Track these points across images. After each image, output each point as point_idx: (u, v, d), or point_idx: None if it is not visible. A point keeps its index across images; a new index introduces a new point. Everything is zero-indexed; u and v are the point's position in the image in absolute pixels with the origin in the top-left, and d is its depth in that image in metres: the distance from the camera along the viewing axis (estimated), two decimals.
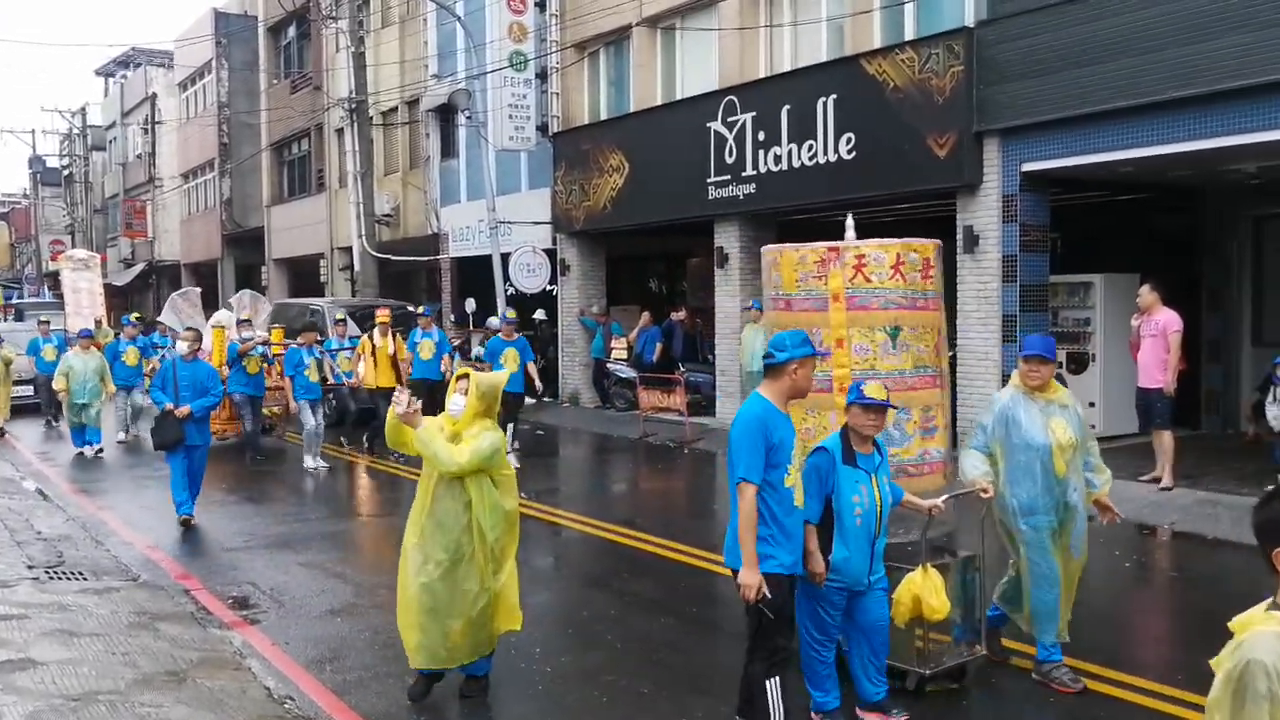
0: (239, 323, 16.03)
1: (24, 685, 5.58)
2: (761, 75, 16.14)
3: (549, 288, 20.95)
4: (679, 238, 20.42)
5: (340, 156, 31.33)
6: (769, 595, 4.68)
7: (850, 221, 7.05)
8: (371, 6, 26.94)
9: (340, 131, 30.80)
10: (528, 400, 15.58)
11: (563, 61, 20.60)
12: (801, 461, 4.98)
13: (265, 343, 15.71)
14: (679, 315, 19.22)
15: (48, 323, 20.44)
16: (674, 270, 23.73)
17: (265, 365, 15.23)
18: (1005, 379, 12.69)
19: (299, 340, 14.38)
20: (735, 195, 15.99)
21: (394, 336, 14.89)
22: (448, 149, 25.76)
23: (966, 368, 13.15)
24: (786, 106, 14.94)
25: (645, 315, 19.41)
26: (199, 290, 18.49)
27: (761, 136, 15.40)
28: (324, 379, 14.69)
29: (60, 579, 8.23)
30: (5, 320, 35.81)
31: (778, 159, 15.16)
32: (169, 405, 10.15)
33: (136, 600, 7.71)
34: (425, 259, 25.63)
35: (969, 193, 12.97)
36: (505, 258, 20.44)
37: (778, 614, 4.77)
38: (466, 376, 5.67)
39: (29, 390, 21.17)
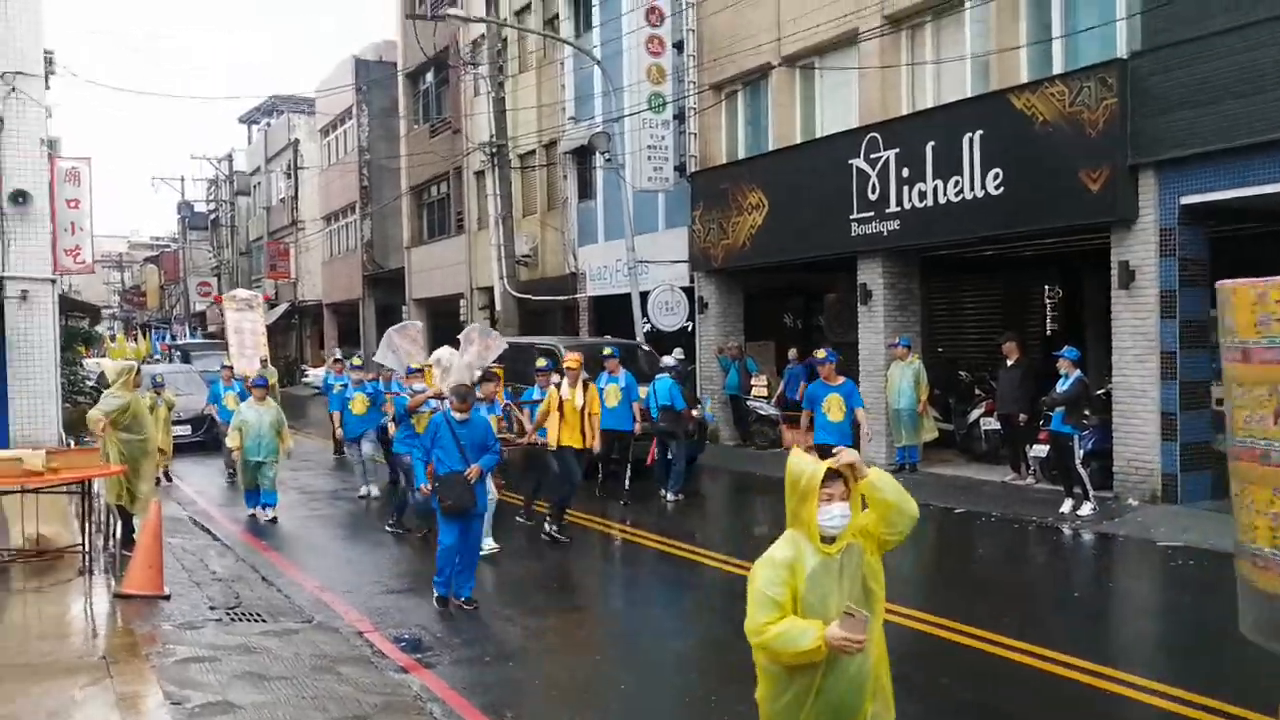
0: (409, 373, 13.81)
1: None
2: (904, 112, 16.03)
3: (687, 325, 21.07)
4: (816, 274, 20.36)
5: (479, 198, 32.17)
6: None
7: None
8: (509, 52, 27.57)
9: (479, 174, 31.64)
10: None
11: (700, 102, 20.78)
12: None
13: (439, 396, 13.32)
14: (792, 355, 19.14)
15: (231, 368, 19.97)
16: (810, 306, 23.61)
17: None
18: (1164, 417, 12.33)
19: (480, 393, 11.86)
20: (879, 231, 15.88)
21: (585, 386, 12.50)
22: (585, 190, 26.20)
23: (1124, 406, 12.79)
24: (931, 143, 14.80)
25: (793, 351, 19.32)
26: (419, 325, 16.49)
27: (905, 173, 15.28)
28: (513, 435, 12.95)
29: (241, 620, 8.57)
30: (170, 361, 37.40)
31: (922, 195, 15.01)
32: (472, 468, 8.99)
33: (315, 642, 7.98)
34: (562, 298, 26.03)
35: (1124, 227, 12.64)
36: (644, 296, 20.66)
37: None
38: (840, 476, 3.88)
39: (187, 429, 22.15)
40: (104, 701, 6.19)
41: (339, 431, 15.61)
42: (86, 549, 10.09)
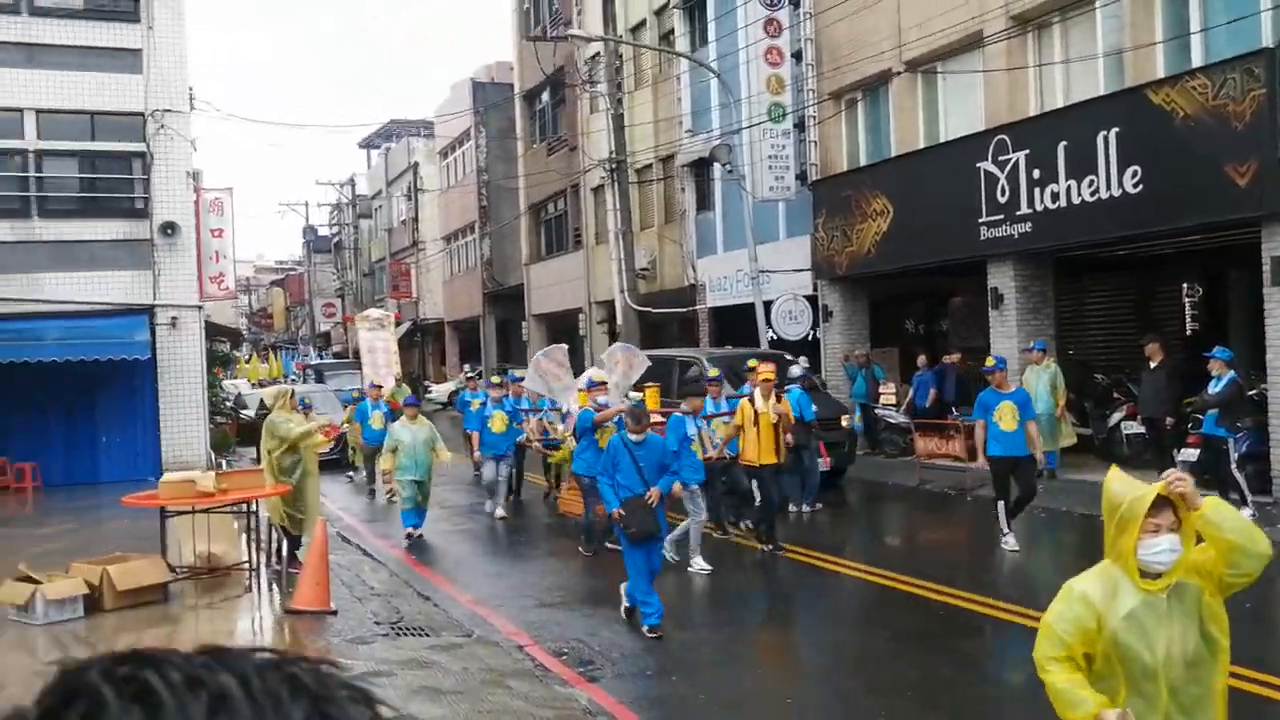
0: (591, 385, 13.28)
1: None
2: (1032, 113, 15.80)
3: (810, 334, 21.02)
4: (939, 279, 20.14)
5: (596, 214, 32.59)
6: None
7: None
8: (625, 70, 27.89)
9: (596, 190, 32.05)
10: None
11: (820, 111, 20.75)
12: None
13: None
14: (952, 358, 18.86)
15: (379, 388, 20.25)
16: (933, 311, 23.34)
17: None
18: None
19: (683, 407, 11.50)
20: (1009, 234, 15.67)
21: (778, 398, 11.79)
22: (703, 202, 26.35)
23: None
24: (1063, 143, 14.56)
25: (922, 358, 19.13)
26: (565, 347, 16.23)
27: (1036, 174, 15.05)
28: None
29: (406, 635, 8.86)
30: (304, 380, 38.61)
31: (1055, 196, 14.77)
32: (651, 491, 8.70)
33: (479, 656, 8.22)
34: (682, 310, 26.19)
35: (1275, 221, 12.25)
36: (767, 306, 20.69)
37: None
38: (1169, 503, 3.42)
39: (326, 447, 22.87)
40: None
41: (477, 454, 15.38)
42: (253, 566, 10.57)
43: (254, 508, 10.65)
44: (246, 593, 10.11)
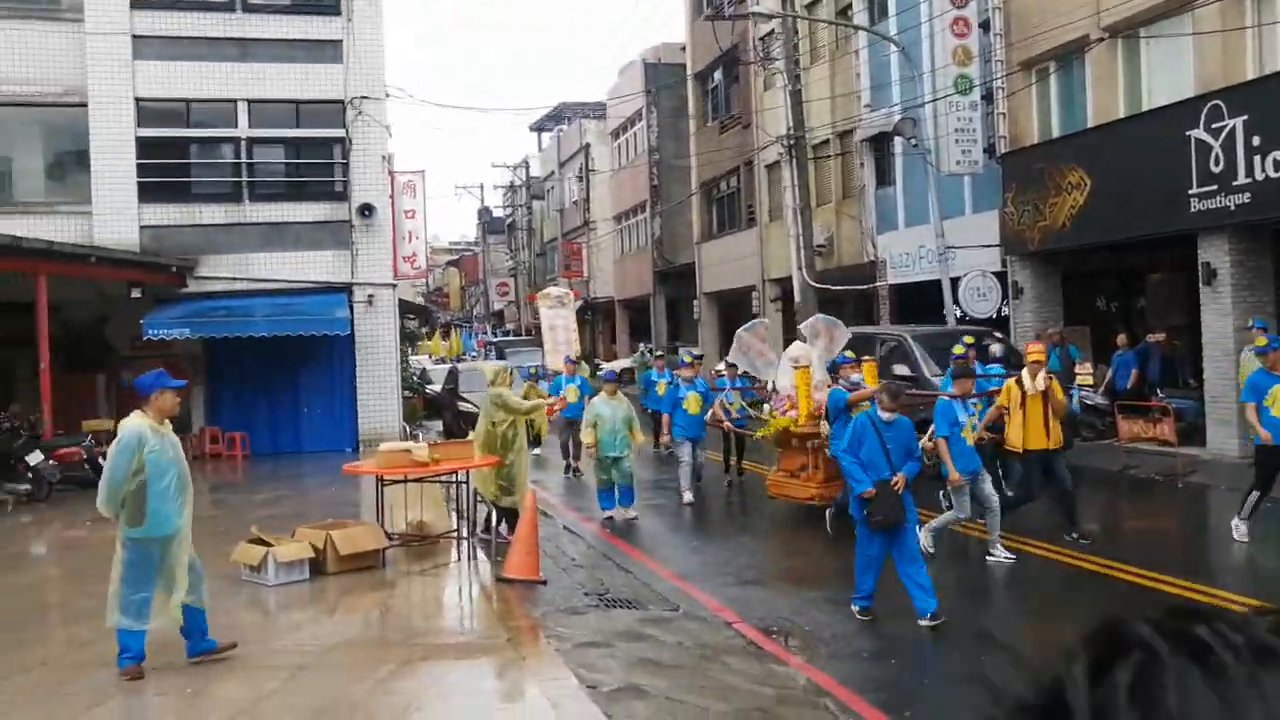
0: (842, 362, 12.47)
1: (642, 715, 6.16)
2: (1250, 76, 14.91)
3: (1000, 312, 20.41)
4: (1138, 254, 19.26)
5: (770, 191, 32.38)
6: None
7: None
8: (801, 46, 27.56)
9: (771, 167, 31.83)
10: None
11: (1010, 82, 20.08)
12: None
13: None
14: (1156, 337, 18.05)
15: (576, 362, 20.04)
16: (1127, 288, 22.34)
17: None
18: None
19: (954, 389, 10.63)
20: (1225, 206, 14.85)
21: (1049, 378, 10.70)
22: (883, 177, 25.88)
23: None
24: None
25: (1122, 337, 18.35)
26: (766, 323, 15.54)
27: (1257, 141, 14.21)
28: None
29: (615, 607, 9.03)
30: (486, 357, 39.67)
31: (1278, 164, 13.92)
32: (897, 477, 8.15)
33: (690, 631, 8.30)
34: (862, 287, 25.79)
35: None
36: (953, 282, 20.19)
37: None
38: None
39: None
40: (523, 681, 6.68)
41: (665, 437, 14.93)
42: (461, 535, 10.92)
43: (462, 478, 10.98)
44: (455, 561, 10.46)
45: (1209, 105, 15.02)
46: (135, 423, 6.84)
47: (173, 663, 7.18)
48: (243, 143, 21.85)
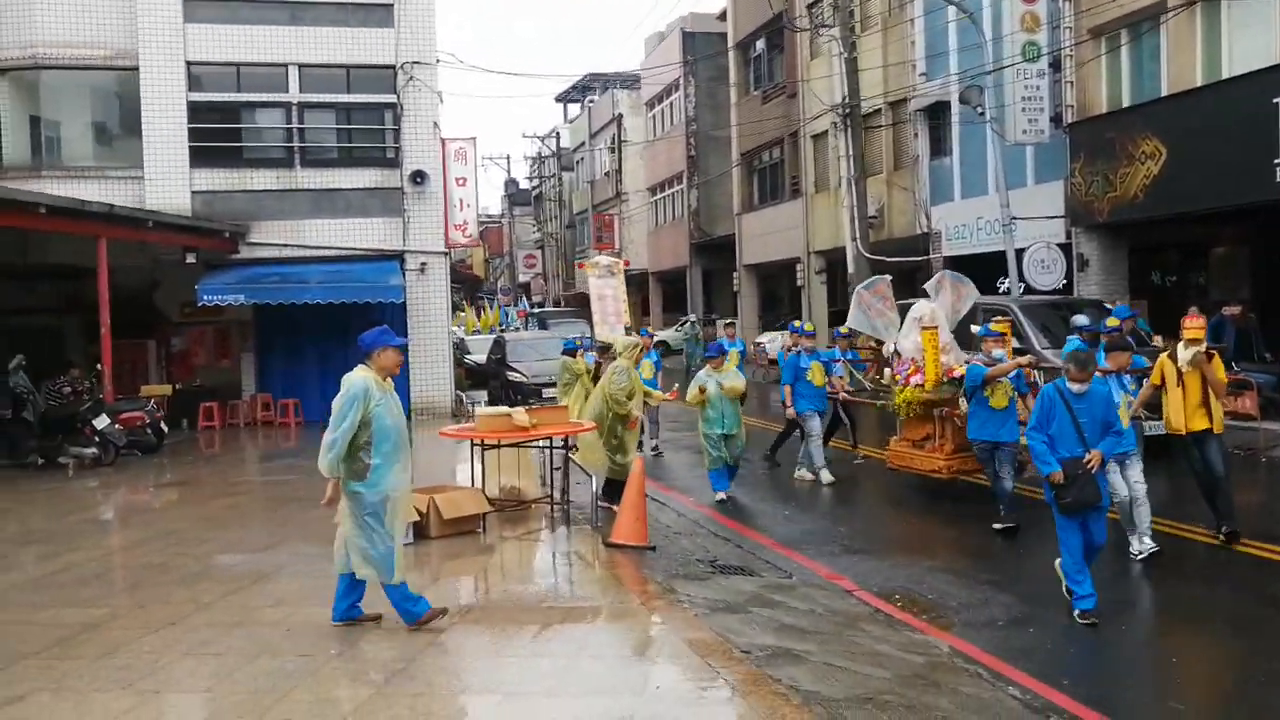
0: (985, 334, 11.39)
1: (806, 680, 5.99)
2: None
3: (1062, 285, 20.10)
4: (1206, 226, 18.95)
5: (816, 161, 32.03)
6: None
7: None
8: (854, 15, 27.16)
9: (817, 138, 31.49)
10: None
11: (1079, 49, 19.70)
12: None
13: (1033, 366, 11.57)
14: (1231, 310, 17.71)
15: (651, 336, 19.64)
16: (1186, 261, 21.99)
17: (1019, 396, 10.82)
18: None
19: (1108, 364, 9.33)
20: None
21: (1210, 358, 9.55)
22: (937, 148, 25.53)
23: None
24: None
25: (1192, 310, 18.00)
26: (888, 278, 14.20)
27: None
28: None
29: (729, 574, 8.85)
30: (526, 328, 39.57)
31: None
32: (1092, 454, 7.39)
33: (814, 598, 8.12)
34: (916, 259, 25.48)
35: None
36: (1018, 254, 19.89)
37: None
38: None
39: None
40: (671, 644, 6.50)
41: (792, 410, 13.51)
42: (555, 500, 10.77)
43: (560, 444, 10.82)
44: (547, 528, 10.29)
45: None
46: (361, 375, 6.78)
47: (313, 621, 7.06)
48: (294, 108, 21.65)
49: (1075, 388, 7.50)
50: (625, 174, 52.53)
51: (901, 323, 12.84)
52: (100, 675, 6.12)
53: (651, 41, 51.01)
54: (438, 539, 9.55)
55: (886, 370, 13.73)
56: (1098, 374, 8.88)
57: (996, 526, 10.26)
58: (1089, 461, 7.33)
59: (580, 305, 54.31)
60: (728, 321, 21.25)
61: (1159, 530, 9.38)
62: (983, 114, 20.16)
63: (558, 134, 65.37)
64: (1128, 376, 9.40)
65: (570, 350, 16.65)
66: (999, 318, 11.67)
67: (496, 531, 10.12)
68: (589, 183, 59.23)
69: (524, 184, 76.46)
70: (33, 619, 7.44)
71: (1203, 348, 9.49)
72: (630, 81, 54.26)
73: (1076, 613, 7.41)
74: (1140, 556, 8.97)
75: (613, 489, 10.86)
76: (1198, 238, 20.19)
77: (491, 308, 58.36)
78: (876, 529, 11.03)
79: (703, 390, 12.14)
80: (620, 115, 52.65)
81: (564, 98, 68.54)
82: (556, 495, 10.90)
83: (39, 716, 5.56)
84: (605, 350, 16.80)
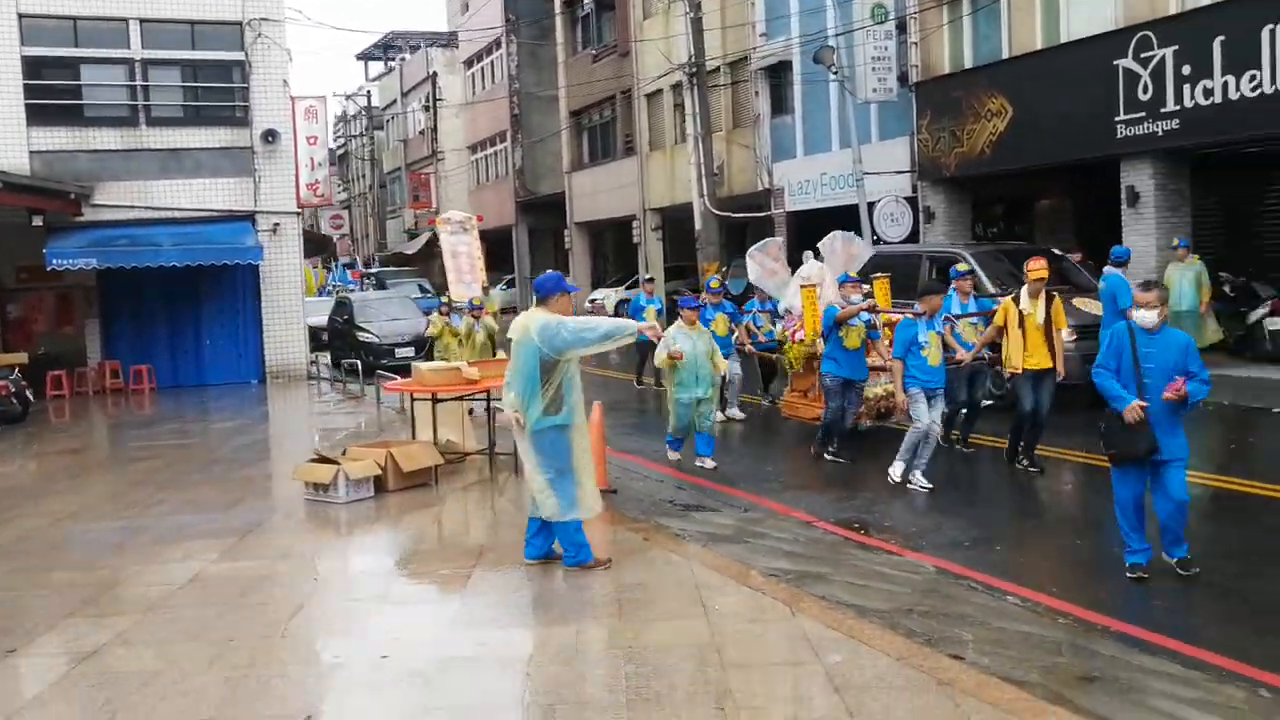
0: (844, 281, 11.77)
1: (845, 596, 6.42)
2: (1172, 10, 15.88)
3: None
4: (1035, 180, 20.39)
5: (651, 120, 32.49)
6: None
7: None
8: None
9: (651, 96, 31.95)
10: None
11: (924, 20, 20.70)
12: None
13: (872, 309, 11.63)
14: (1073, 256, 19.13)
15: (652, 279, 19.60)
16: (1017, 213, 23.47)
17: (869, 341, 11.29)
18: None
19: (916, 308, 10.01)
20: (1152, 132, 15.89)
21: (1050, 300, 10.19)
22: (779, 106, 26.36)
23: None
24: (1220, 38, 14.74)
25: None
26: (779, 241, 14.82)
27: (1186, 70, 15.24)
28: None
29: (697, 510, 9.19)
30: (363, 289, 38.61)
31: (1208, 92, 14.99)
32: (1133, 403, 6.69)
33: (790, 530, 8.54)
34: (757, 215, 26.30)
35: None
36: (870, 208, 20.87)
37: None
38: None
39: (410, 351, 22.84)
40: (699, 573, 6.79)
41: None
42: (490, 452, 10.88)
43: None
44: (489, 478, 10.39)
45: (1138, 36, 15.98)
46: (547, 315, 6.93)
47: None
48: (137, 64, 20.55)
49: (1144, 319, 6.75)
50: (442, 133, 51.75)
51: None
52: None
53: None
54: (395, 492, 9.54)
55: (778, 325, 14.23)
56: (908, 315, 9.81)
57: (827, 456, 11.19)
58: (1130, 409, 6.65)
59: (400, 265, 53.41)
60: (647, 277, 21.38)
61: None
62: (837, 74, 21.00)
63: (369, 92, 63.59)
64: (939, 318, 10.07)
65: (428, 310, 16.37)
66: (959, 266, 12.27)
67: (446, 484, 10.13)
68: (402, 141, 58.10)
69: (330, 143, 74.09)
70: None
71: (1042, 292, 10.08)
72: (445, 40, 53.38)
73: (1127, 566, 6.96)
74: (896, 481, 9.83)
75: None
76: (1030, 191, 21.71)
77: (340, 266, 56.43)
78: (801, 468, 11.47)
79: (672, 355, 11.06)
80: (435, 74, 51.75)
81: (366, 55, 66.82)
82: (488, 448, 11.00)
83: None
84: (477, 309, 16.92)
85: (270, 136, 20.98)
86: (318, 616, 6.34)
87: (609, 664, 5.30)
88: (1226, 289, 16.17)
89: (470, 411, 12.62)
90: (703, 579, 6.65)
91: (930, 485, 9.75)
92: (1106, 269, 13.01)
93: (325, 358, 24.60)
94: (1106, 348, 6.94)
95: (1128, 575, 6.93)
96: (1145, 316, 6.68)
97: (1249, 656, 5.58)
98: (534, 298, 7.13)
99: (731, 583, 6.55)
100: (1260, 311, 15.69)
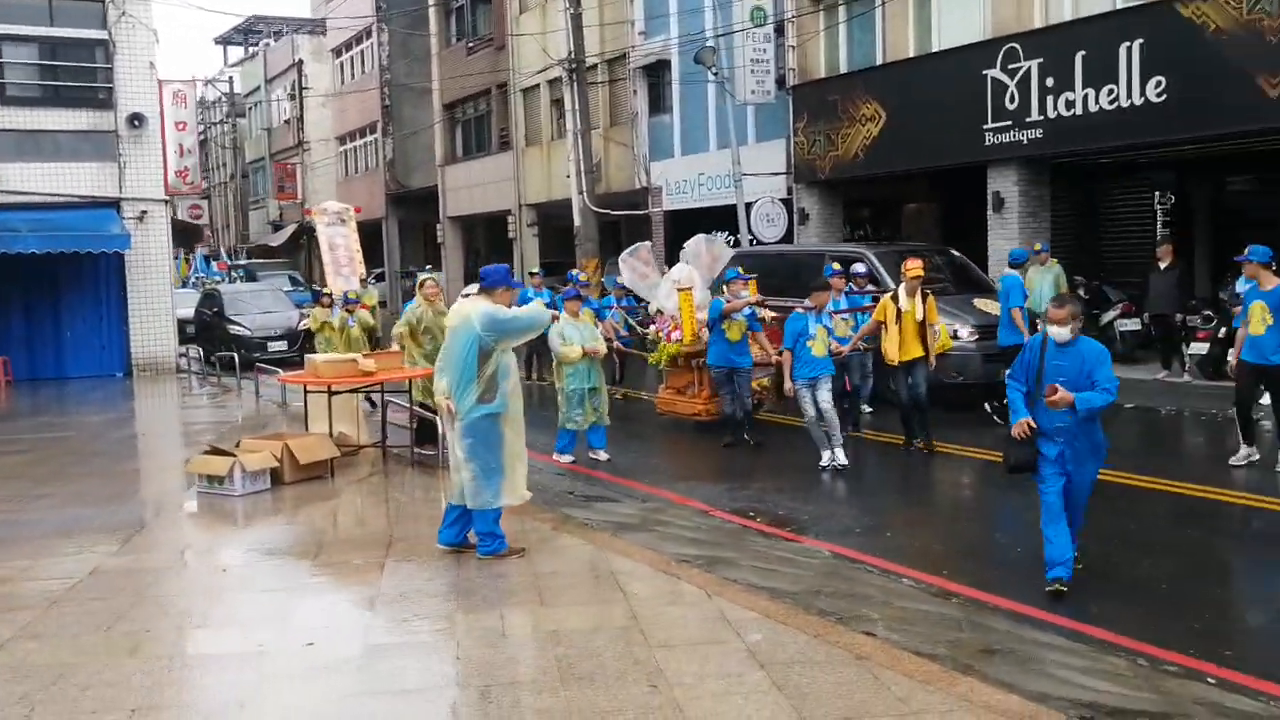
0: (731, 278, 12.36)
1: (756, 579, 6.64)
2: (1038, 24, 16.64)
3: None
4: (904, 184, 21.14)
5: (527, 115, 32.46)
6: None
7: None
8: None
9: (527, 91, 31.92)
10: None
11: (800, 25, 21.21)
12: None
13: (760, 303, 12.62)
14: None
15: (536, 273, 19.55)
16: (880, 217, 24.17)
17: (750, 333, 12.05)
18: None
19: (806, 303, 10.68)
20: (1017, 140, 16.65)
21: (925, 297, 11.11)
22: (657, 105, 26.66)
23: None
24: (1081, 52, 15.53)
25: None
26: (649, 244, 15.45)
27: (1050, 82, 16.01)
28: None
29: (602, 502, 9.33)
30: (231, 281, 37.54)
31: (1069, 104, 15.78)
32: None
33: (691, 519, 8.76)
34: (635, 213, 26.56)
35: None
36: (747, 208, 21.29)
37: None
38: None
39: (283, 345, 22.49)
40: (618, 561, 6.92)
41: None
42: (385, 446, 10.82)
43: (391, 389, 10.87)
44: (384, 471, 10.35)
45: (1006, 48, 16.74)
46: (490, 304, 6.99)
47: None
48: None
49: (1057, 335, 6.61)
50: (309, 122, 50.62)
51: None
52: None
53: None
54: (291, 484, 9.42)
55: (652, 327, 14.80)
56: (798, 310, 10.55)
57: (726, 441, 11.81)
58: (1020, 425, 6.61)
59: (264, 257, 52.07)
60: (532, 271, 21.24)
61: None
62: (717, 74, 21.36)
63: (231, 78, 61.68)
64: (826, 313, 10.88)
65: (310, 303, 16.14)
66: (853, 266, 13.19)
67: (343, 477, 10.03)
68: (265, 130, 56.55)
69: None
70: None
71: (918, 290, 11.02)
72: (311, 26, 52.21)
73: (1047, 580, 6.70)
74: (828, 467, 10.38)
75: (425, 430, 10.93)
76: (899, 194, 22.48)
77: (200, 259, 54.49)
78: (687, 460, 11.75)
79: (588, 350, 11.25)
80: (301, 61, 50.58)
81: (225, 40, 64.91)
82: (379, 440, 10.95)
83: None
84: (352, 303, 16.82)
85: (136, 120, 20.30)
86: (235, 607, 6.28)
87: (537, 646, 5.41)
88: (1081, 292, 17.05)
89: (371, 404, 12.57)
90: (617, 565, 6.79)
91: (846, 462, 10.44)
92: (1005, 271, 13.56)
93: (195, 351, 23.92)
94: (1018, 359, 6.94)
95: (1047, 589, 6.61)
96: (1059, 333, 6.57)
97: (1126, 629, 6.01)
98: (477, 286, 7.20)
99: (645, 568, 6.72)
100: (1111, 314, 16.60)
